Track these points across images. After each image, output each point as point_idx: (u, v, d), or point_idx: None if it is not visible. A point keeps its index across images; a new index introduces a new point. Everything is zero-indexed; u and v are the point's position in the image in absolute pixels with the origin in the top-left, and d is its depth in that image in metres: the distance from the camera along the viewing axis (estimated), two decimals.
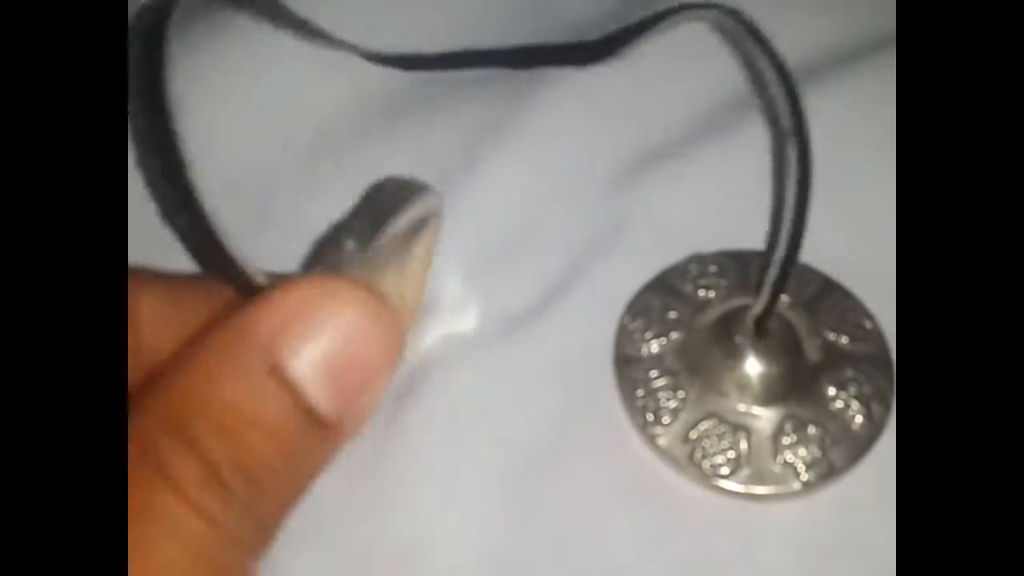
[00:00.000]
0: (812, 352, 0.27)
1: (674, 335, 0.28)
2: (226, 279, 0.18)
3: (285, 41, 0.32)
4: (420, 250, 0.23)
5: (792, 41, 0.33)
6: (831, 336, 0.28)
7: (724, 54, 0.28)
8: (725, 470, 0.26)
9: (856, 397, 0.26)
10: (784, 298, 0.28)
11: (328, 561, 0.25)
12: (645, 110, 0.32)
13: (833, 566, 0.25)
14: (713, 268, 0.29)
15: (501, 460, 0.26)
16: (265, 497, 0.17)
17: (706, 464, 0.26)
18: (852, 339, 0.28)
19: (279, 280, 0.18)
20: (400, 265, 0.22)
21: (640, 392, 0.27)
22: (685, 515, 0.25)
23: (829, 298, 0.28)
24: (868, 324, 0.28)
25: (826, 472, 0.25)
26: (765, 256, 0.29)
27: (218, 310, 0.19)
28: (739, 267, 0.29)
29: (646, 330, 0.28)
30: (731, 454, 0.26)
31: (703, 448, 0.26)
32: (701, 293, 0.28)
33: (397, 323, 0.18)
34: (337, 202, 0.30)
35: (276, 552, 0.18)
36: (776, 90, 0.25)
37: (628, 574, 0.25)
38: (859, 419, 0.26)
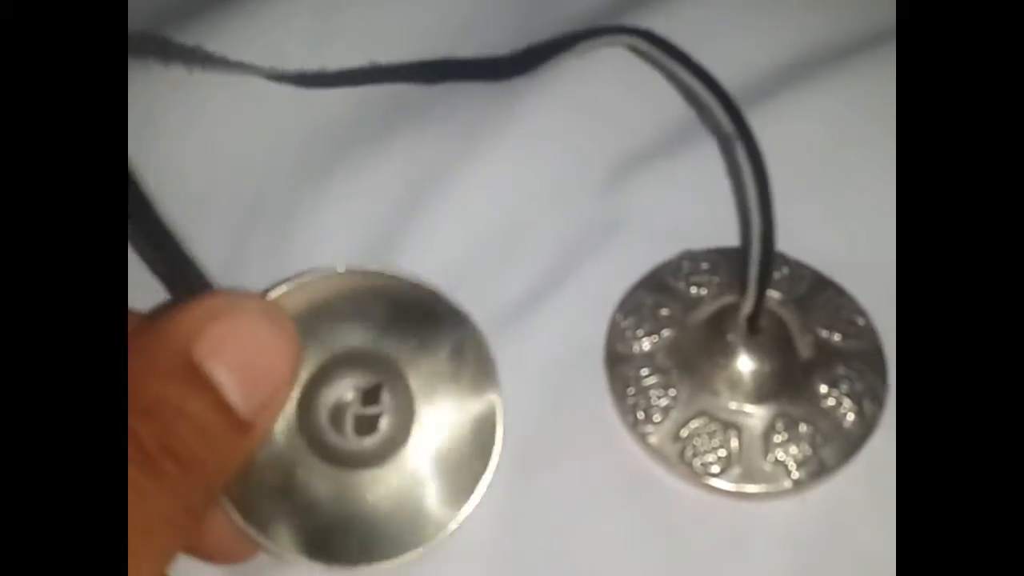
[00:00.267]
0: (804, 349, 0.27)
1: (666, 333, 0.28)
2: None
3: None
4: None
5: (790, 38, 0.34)
6: (823, 333, 0.27)
7: (716, 50, 0.28)
8: (716, 468, 0.25)
9: (848, 395, 0.26)
10: (776, 295, 0.28)
11: None
12: (637, 108, 0.32)
13: (824, 564, 0.25)
14: (705, 265, 0.29)
15: None
16: (191, 480, 0.19)
17: (697, 462, 0.26)
18: (845, 336, 0.27)
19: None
20: None
21: (631, 390, 0.27)
22: (676, 513, 0.25)
23: (822, 295, 0.28)
24: (861, 321, 0.28)
25: (817, 470, 0.25)
26: (742, 254, 0.29)
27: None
28: (731, 264, 0.29)
29: (638, 328, 0.28)
30: (722, 452, 0.26)
31: (694, 446, 0.26)
32: (693, 290, 0.28)
33: (296, 336, 0.20)
34: (328, 208, 0.30)
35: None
36: (709, 100, 0.25)
37: (618, 572, 0.25)
38: (851, 417, 0.26)
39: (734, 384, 0.26)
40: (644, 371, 0.27)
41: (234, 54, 0.31)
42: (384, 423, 0.22)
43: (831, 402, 0.26)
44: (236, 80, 0.32)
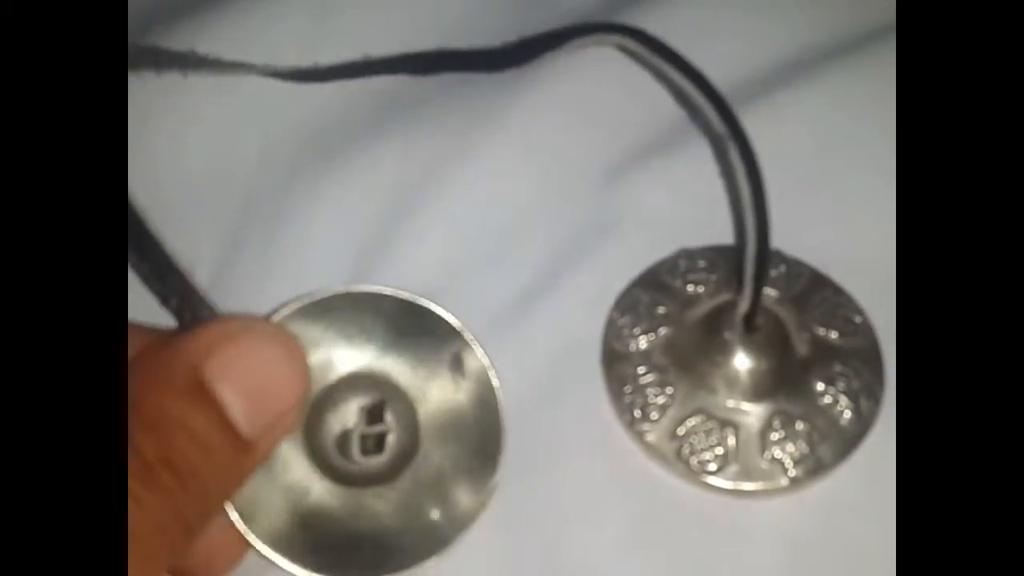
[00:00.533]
0: (801, 347, 0.27)
1: (663, 331, 0.28)
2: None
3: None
4: None
5: (786, 37, 0.34)
6: (820, 331, 0.27)
7: (713, 49, 0.28)
8: (713, 466, 0.25)
9: (845, 392, 0.26)
10: (773, 293, 0.28)
11: None
12: (633, 106, 0.32)
13: (821, 562, 0.25)
14: (702, 263, 0.29)
15: None
16: (188, 494, 0.19)
17: (694, 460, 0.25)
18: (842, 334, 0.27)
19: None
20: None
21: (628, 388, 0.27)
22: (673, 512, 0.25)
23: (819, 293, 0.28)
24: (858, 319, 0.28)
25: (814, 468, 0.25)
26: (738, 253, 0.29)
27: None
28: (728, 262, 0.29)
29: (634, 326, 0.28)
30: (719, 450, 0.26)
31: (691, 444, 0.26)
32: (690, 288, 0.28)
33: (305, 362, 0.21)
34: (328, 200, 0.30)
35: None
36: (698, 99, 0.25)
37: (615, 570, 0.25)
38: (847, 414, 0.26)
39: (731, 382, 0.26)
40: (641, 369, 0.27)
41: (228, 54, 0.31)
42: (390, 441, 0.23)
43: (828, 400, 0.26)
44: (229, 82, 0.32)
